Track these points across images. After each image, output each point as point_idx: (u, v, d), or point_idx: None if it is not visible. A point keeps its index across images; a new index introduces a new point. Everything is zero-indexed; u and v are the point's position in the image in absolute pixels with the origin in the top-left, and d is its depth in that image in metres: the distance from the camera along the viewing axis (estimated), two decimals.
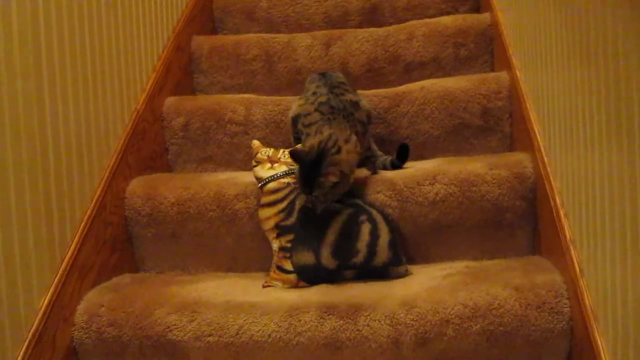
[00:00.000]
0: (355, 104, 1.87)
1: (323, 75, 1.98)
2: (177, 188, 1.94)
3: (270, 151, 1.79)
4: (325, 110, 1.83)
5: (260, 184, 1.78)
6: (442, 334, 1.48)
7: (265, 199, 1.76)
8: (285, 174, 1.76)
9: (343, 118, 1.80)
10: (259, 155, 1.80)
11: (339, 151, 1.68)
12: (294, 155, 1.69)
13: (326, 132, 1.72)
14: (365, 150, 1.89)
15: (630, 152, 1.08)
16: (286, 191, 1.75)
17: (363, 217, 1.68)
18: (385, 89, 2.19)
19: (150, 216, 1.92)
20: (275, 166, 1.77)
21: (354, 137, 1.75)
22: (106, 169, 1.87)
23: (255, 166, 1.80)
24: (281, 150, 1.80)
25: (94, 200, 1.79)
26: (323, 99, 1.86)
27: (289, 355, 1.53)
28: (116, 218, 1.90)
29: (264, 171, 1.77)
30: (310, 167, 1.65)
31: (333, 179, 1.64)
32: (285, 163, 1.77)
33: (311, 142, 1.71)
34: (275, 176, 1.76)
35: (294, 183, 1.76)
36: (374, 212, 1.70)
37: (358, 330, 1.50)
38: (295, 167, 1.75)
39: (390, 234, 1.69)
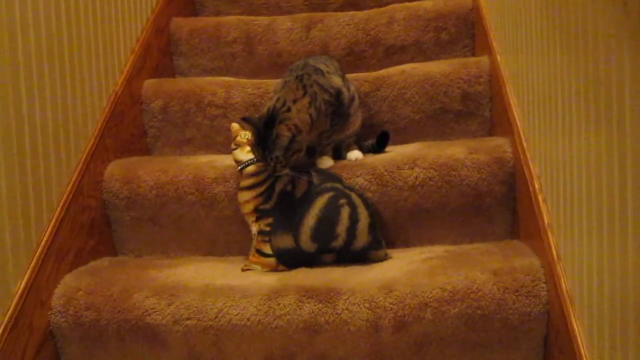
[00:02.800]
0: (321, 72, 1.86)
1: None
2: (156, 171, 1.92)
3: (250, 134, 1.78)
4: (287, 74, 1.87)
5: (239, 167, 1.77)
6: (421, 317, 1.49)
7: (244, 182, 1.76)
8: None
9: (296, 79, 1.81)
10: (238, 138, 1.79)
11: (289, 110, 1.72)
12: (246, 121, 1.73)
13: (275, 96, 1.77)
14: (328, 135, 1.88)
15: (608, 137, 1.09)
16: (265, 174, 1.74)
17: (342, 201, 1.68)
18: (366, 72, 2.19)
19: (129, 199, 1.91)
20: None
21: (305, 99, 1.76)
22: (83, 152, 1.85)
23: (234, 149, 1.79)
24: None
25: (71, 184, 1.77)
26: (293, 66, 1.92)
27: (268, 339, 1.53)
28: (94, 201, 1.88)
29: (244, 154, 1.76)
30: (264, 131, 1.69)
31: (287, 132, 1.68)
32: None
33: (262, 110, 1.76)
34: (255, 159, 1.75)
35: None
36: (354, 196, 1.70)
37: (337, 313, 1.51)
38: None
39: (369, 217, 1.69)
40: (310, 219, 1.67)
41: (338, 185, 1.73)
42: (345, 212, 1.67)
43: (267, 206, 1.72)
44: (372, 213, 1.71)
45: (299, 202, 1.70)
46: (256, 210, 1.74)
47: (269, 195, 1.73)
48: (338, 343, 1.51)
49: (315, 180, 1.74)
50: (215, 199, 1.86)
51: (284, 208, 1.71)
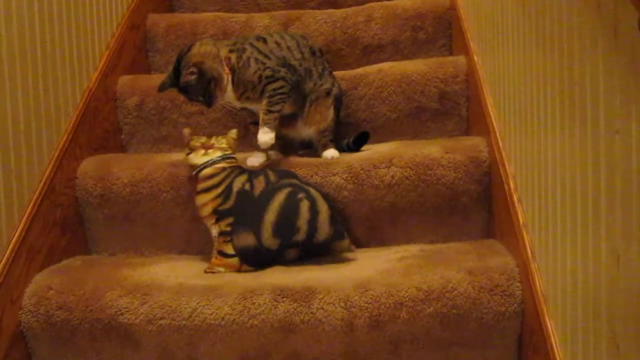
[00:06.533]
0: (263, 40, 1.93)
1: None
2: (130, 168, 1.90)
3: (203, 138, 1.77)
4: None
5: (194, 171, 1.75)
6: (396, 316, 1.49)
7: (201, 186, 1.74)
8: (220, 159, 1.74)
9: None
10: (191, 142, 1.77)
11: (189, 49, 1.81)
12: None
13: None
14: None
15: (582, 137, 1.09)
16: (222, 176, 1.73)
17: (301, 195, 1.67)
18: (343, 71, 2.18)
19: (102, 197, 1.89)
20: (209, 152, 1.75)
21: (214, 45, 1.85)
22: (56, 149, 1.82)
23: (188, 154, 1.77)
24: (214, 137, 1.78)
25: (43, 181, 1.74)
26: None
27: (242, 338, 1.52)
28: (66, 199, 1.85)
29: (198, 158, 1.75)
30: (176, 74, 1.81)
31: (190, 77, 1.77)
32: (220, 148, 1.76)
33: None
34: (210, 162, 1.74)
35: (230, 167, 1.74)
36: (312, 190, 1.70)
37: (312, 313, 1.50)
38: (230, 152, 1.76)
39: (329, 210, 1.68)
40: (270, 215, 1.66)
41: (295, 181, 1.73)
42: (304, 205, 1.66)
43: (226, 206, 1.71)
44: (332, 206, 1.70)
45: (258, 200, 1.69)
46: (215, 211, 1.72)
47: (227, 196, 1.71)
48: (313, 342, 1.51)
49: (272, 178, 1.73)
50: (190, 197, 1.84)
51: (243, 207, 1.70)
